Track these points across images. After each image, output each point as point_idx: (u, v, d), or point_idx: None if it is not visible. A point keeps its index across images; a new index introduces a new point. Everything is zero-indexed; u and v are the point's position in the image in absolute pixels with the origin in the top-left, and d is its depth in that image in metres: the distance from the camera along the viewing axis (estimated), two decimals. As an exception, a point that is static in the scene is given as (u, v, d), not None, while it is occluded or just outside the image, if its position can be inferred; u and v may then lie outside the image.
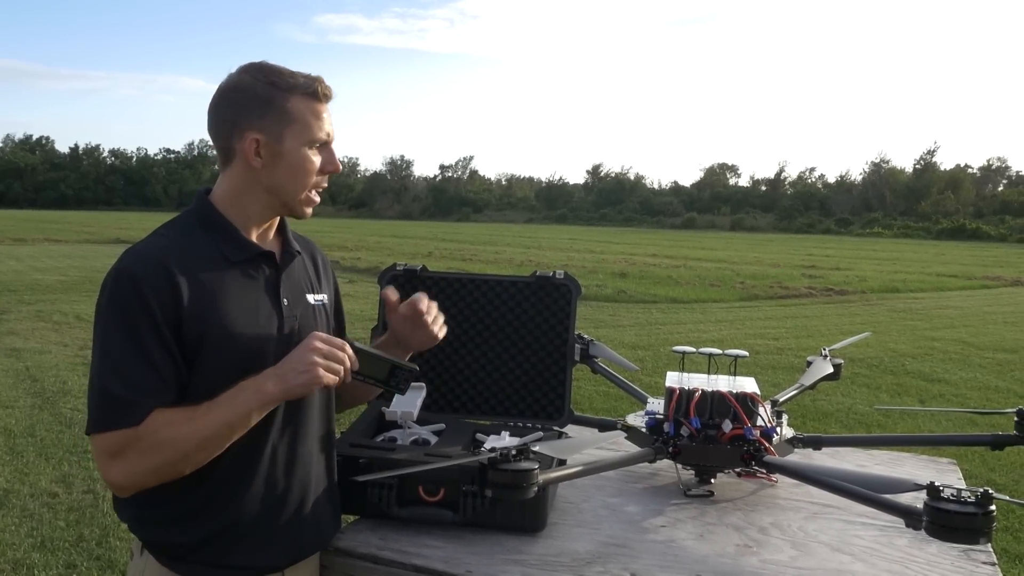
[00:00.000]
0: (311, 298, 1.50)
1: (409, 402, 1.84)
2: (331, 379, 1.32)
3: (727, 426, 1.72)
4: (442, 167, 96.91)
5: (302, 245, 1.55)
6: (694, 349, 2.00)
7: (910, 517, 1.32)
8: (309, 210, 1.44)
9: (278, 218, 1.48)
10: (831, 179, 79.00)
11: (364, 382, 1.41)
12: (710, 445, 1.73)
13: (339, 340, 1.35)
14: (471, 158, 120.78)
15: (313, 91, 1.38)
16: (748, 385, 1.84)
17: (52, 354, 7.79)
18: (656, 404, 1.90)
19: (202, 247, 1.37)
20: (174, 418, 1.27)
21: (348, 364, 1.34)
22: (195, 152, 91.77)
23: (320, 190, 1.44)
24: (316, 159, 1.40)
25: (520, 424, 1.93)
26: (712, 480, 1.82)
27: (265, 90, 1.36)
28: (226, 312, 1.33)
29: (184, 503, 1.35)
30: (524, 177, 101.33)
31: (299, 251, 1.51)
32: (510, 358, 2.00)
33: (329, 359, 1.31)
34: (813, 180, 79.92)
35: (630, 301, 13.42)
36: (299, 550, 1.45)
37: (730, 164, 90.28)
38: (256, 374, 1.32)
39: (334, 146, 1.44)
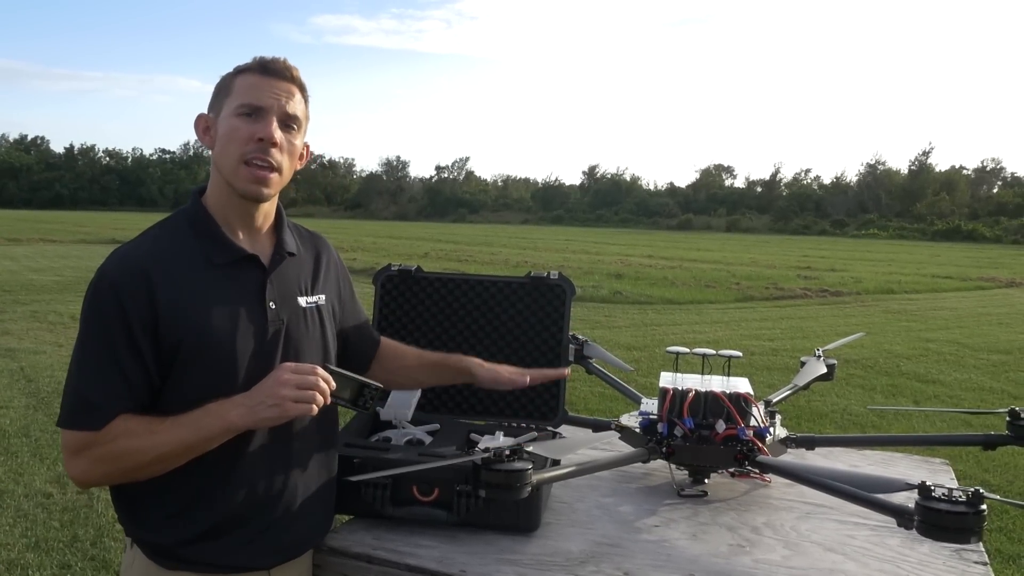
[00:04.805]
0: (303, 301, 1.46)
1: (404, 402, 1.84)
2: (303, 409, 1.28)
3: (720, 426, 1.73)
4: (438, 168, 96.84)
5: (304, 243, 1.53)
6: (688, 350, 2.00)
7: (902, 517, 1.33)
8: (257, 188, 1.35)
9: (272, 216, 1.47)
10: (826, 180, 79.17)
11: (335, 403, 1.37)
12: (704, 445, 1.73)
13: (309, 366, 1.31)
14: (467, 159, 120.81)
15: (260, 66, 1.38)
16: (742, 385, 1.84)
17: (47, 354, 7.76)
18: (650, 404, 1.91)
19: (188, 250, 1.36)
20: (136, 428, 1.28)
21: (325, 388, 1.30)
22: (191, 152, 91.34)
23: (258, 162, 1.34)
24: (244, 125, 1.35)
25: (514, 424, 1.94)
26: (706, 480, 1.82)
27: (227, 76, 1.39)
28: (205, 317, 1.32)
29: (171, 503, 1.35)
30: (520, 178, 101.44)
31: (294, 252, 1.47)
32: (505, 358, 2.00)
33: (302, 388, 1.28)
34: (808, 181, 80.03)
35: (625, 302, 13.42)
36: (286, 550, 1.44)
37: (726, 165, 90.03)
38: (234, 380, 1.32)
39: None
